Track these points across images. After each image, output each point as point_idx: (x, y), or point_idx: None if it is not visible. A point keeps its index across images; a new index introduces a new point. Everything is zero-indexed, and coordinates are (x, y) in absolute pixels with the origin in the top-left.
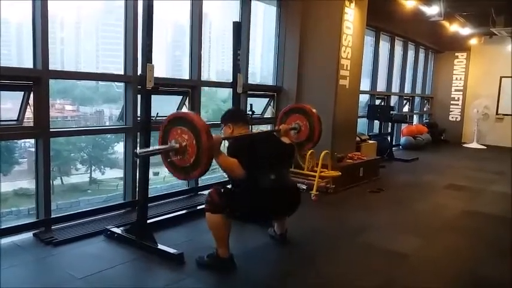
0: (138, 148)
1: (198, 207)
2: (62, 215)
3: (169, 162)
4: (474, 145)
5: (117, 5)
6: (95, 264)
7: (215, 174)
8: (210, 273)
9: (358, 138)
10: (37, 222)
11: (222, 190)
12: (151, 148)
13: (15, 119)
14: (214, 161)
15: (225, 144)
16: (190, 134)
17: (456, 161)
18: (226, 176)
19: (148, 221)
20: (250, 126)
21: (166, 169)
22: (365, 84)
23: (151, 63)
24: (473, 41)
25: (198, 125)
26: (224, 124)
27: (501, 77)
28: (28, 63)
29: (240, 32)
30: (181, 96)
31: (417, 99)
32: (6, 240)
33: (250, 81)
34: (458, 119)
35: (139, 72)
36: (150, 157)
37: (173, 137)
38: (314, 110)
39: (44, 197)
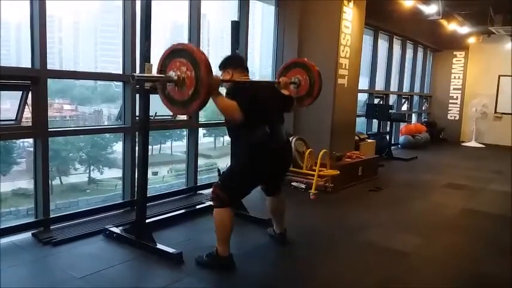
0: (137, 147)
1: (197, 207)
2: (61, 214)
3: (167, 94)
4: (473, 144)
5: (115, 5)
6: (94, 263)
7: (212, 174)
8: (210, 272)
9: (356, 137)
10: (36, 222)
11: (219, 181)
12: (149, 75)
13: (14, 118)
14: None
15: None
16: (189, 66)
17: (455, 159)
18: (223, 118)
19: (147, 221)
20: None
21: (165, 168)
22: (363, 83)
23: (149, 62)
24: (471, 40)
25: (198, 57)
26: (223, 70)
27: (499, 76)
28: (26, 63)
29: (239, 31)
30: None
31: (416, 98)
32: (5, 240)
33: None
34: (457, 117)
35: (137, 71)
36: (149, 157)
37: (171, 69)
38: (314, 65)
39: (43, 197)
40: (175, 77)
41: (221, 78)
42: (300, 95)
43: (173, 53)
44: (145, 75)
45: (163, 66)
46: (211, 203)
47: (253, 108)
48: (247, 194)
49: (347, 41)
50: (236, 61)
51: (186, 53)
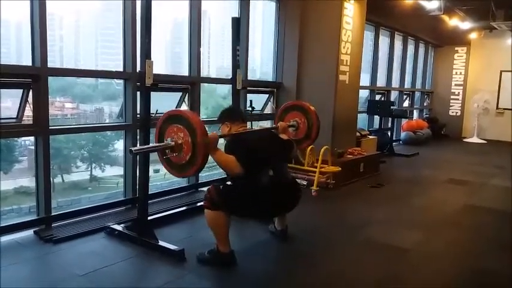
0: (138, 145)
1: (199, 204)
2: (63, 212)
3: (166, 159)
4: (474, 140)
5: (115, 2)
6: (96, 261)
7: (215, 171)
8: (211, 269)
9: (358, 134)
10: (37, 220)
11: (221, 187)
12: (145, 146)
13: (15, 116)
14: (211, 158)
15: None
16: (186, 132)
17: (457, 155)
18: (224, 173)
19: (149, 218)
20: (249, 122)
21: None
22: (365, 80)
23: (150, 59)
24: (473, 35)
25: (193, 123)
26: (221, 123)
27: (501, 71)
28: (27, 61)
29: (239, 28)
30: (181, 93)
31: (417, 94)
32: (7, 238)
33: (249, 78)
34: (459, 113)
35: (138, 69)
36: (150, 154)
37: (169, 135)
38: (312, 108)
39: (44, 195)
40: (173, 143)
41: (219, 133)
42: (298, 137)
43: (169, 119)
44: (143, 147)
45: (161, 131)
46: (202, 203)
47: (253, 159)
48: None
49: (348, 37)
50: (234, 114)
51: (181, 119)
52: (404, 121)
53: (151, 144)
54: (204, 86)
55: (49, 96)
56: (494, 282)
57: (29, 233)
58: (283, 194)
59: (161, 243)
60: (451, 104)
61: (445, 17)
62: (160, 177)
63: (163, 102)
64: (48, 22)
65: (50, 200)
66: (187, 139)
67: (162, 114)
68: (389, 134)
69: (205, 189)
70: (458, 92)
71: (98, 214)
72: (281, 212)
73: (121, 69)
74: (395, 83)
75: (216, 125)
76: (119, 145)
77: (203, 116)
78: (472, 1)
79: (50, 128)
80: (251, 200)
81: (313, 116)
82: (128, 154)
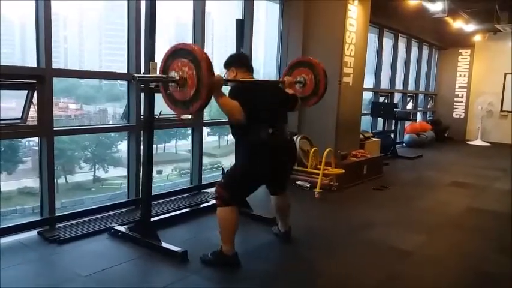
0: (141, 146)
1: (202, 205)
2: (66, 213)
3: (169, 94)
4: (478, 142)
5: (119, 4)
6: (99, 262)
7: (216, 173)
8: (215, 270)
9: (361, 136)
10: (41, 221)
11: (223, 180)
12: (149, 75)
13: (19, 117)
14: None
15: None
16: (191, 66)
17: (460, 158)
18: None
19: (152, 219)
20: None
21: (170, 166)
22: (368, 82)
23: (154, 61)
24: (477, 38)
25: (199, 57)
26: (227, 68)
27: (505, 74)
28: (31, 62)
29: (243, 29)
30: None
31: (421, 97)
32: (11, 239)
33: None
34: (462, 116)
35: (142, 70)
36: (154, 156)
37: (173, 69)
38: (320, 64)
39: (48, 195)
40: (177, 77)
41: (225, 77)
42: (305, 94)
43: (175, 53)
44: (147, 75)
45: (165, 66)
46: (215, 202)
47: (256, 108)
48: (250, 193)
49: (352, 39)
50: (241, 60)
51: (187, 53)
52: (407, 123)
53: (155, 75)
54: None
55: (53, 97)
56: (496, 285)
57: (33, 233)
58: (282, 153)
59: (164, 244)
60: (454, 107)
61: (449, 19)
62: (163, 178)
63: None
64: (52, 23)
65: (54, 201)
66: (192, 73)
67: (168, 116)
68: (392, 136)
69: (208, 190)
70: (462, 95)
71: (102, 215)
72: (280, 173)
73: (125, 71)
74: (398, 85)
75: (221, 127)
76: (122, 146)
77: (206, 117)
78: (476, 3)
79: (54, 129)
80: (251, 160)
81: (321, 72)
82: (132, 155)
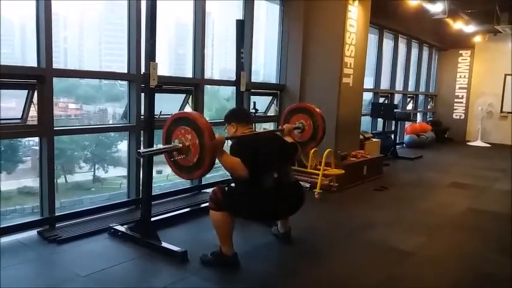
0: (141, 147)
1: (202, 205)
2: (66, 213)
3: (173, 161)
4: (478, 143)
5: (120, 4)
6: (99, 262)
7: (218, 173)
8: (214, 271)
9: (361, 136)
10: (41, 220)
11: (226, 189)
12: (154, 148)
13: (19, 117)
14: (217, 160)
15: (228, 144)
16: (194, 134)
17: (460, 159)
18: (229, 175)
19: (152, 219)
20: (253, 124)
21: (169, 168)
22: (369, 82)
23: (154, 61)
24: (477, 39)
25: (201, 125)
26: (228, 123)
27: (505, 75)
28: (32, 62)
29: (243, 30)
30: (185, 95)
31: (421, 97)
32: (11, 238)
33: (253, 80)
34: (462, 117)
35: (142, 70)
36: (154, 156)
37: (176, 137)
38: (318, 110)
39: (48, 195)
40: (181, 145)
41: (226, 132)
42: (303, 139)
43: (177, 121)
44: (151, 149)
45: (168, 132)
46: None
47: (258, 162)
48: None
49: (352, 39)
50: (240, 115)
51: (189, 122)
52: (407, 124)
53: (159, 146)
54: (207, 88)
55: (53, 97)
56: (497, 286)
57: (32, 233)
58: (287, 196)
59: (164, 244)
60: (454, 107)
61: (449, 20)
62: (163, 178)
63: (167, 104)
64: (53, 23)
65: (54, 201)
66: (195, 141)
67: (169, 116)
68: (392, 137)
69: (208, 190)
70: (462, 95)
71: (101, 215)
72: (285, 214)
73: (125, 71)
74: (399, 86)
75: (220, 127)
76: (122, 146)
77: (207, 118)
78: (476, 4)
79: (54, 128)
80: (255, 202)
81: (319, 118)
82: (132, 155)
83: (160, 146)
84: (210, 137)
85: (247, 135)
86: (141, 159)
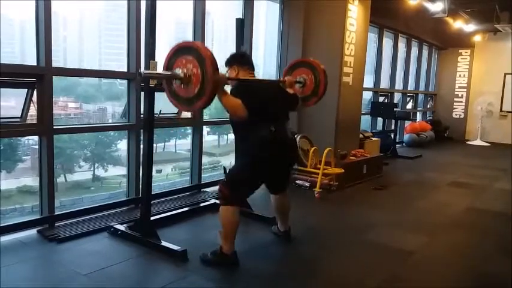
0: (141, 146)
1: (201, 204)
2: (66, 212)
3: (173, 92)
4: (478, 142)
5: (120, 3)
6: (99, 260)
7: (216, 172)
8: (214, 269)
9: (361, 135)
10: (41, 219)
11: (225, 179)
12: (155, 71)
13: (19, 116)
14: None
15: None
16: (196, 63)
17: (460, 158)
18: (227, 115)
19: (152, 218)
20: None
21: (169, 165)
22: (368, 81)
23: (154, 60)
24: (477, 38)
25: (204, 54)
26: (229, 66)
27: (505, 74)
28: (32, 61)
29: (243, 28)
30: None
31: (421, 96)
32: (11, 237)
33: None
34: (462, 116)
35: (142, 69)
36: (153, 155)
37: (177, 66)
38: (321, 65)
39: (48, 194)
40: (182, 74)
41: (227, 75)
42: (305, 94)
43: (179, 51)
44: (152, 71)
45: (169, 63)
46: (215, 200)
47: (257, 106)
48: (252, 192)
49: (352, 38)
50: (242, 58)
51: (192, 50)
52: (407, 123)
53: (160, 71)
54: None
55: (53, 96)
56: (497, 285)
57: (32, 232)
58: (283, 151)
59: (164, 243)
60: (454, 107)
61: (449, 19)
62: (163, 177)
63: (167, 103)
64: (52, 22)
65: (54, 200)
66: (196, 71)
67: (169, 115)
68: (392, 136)
69: (208, 189)
70: (462, 95)
71: (101, 214)
72: (281, 171)
73: (125, 70)
74: (398, 85)
75: (219, 126)
76: (122, 145)
77: (205, 117)
78: (476, 3)
79: (54, 127)
80: (253, 159)
81: (321, 73)
82: (132, 154)
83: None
84: (213, 67)
85: (249, 79)
86: (141, 156)
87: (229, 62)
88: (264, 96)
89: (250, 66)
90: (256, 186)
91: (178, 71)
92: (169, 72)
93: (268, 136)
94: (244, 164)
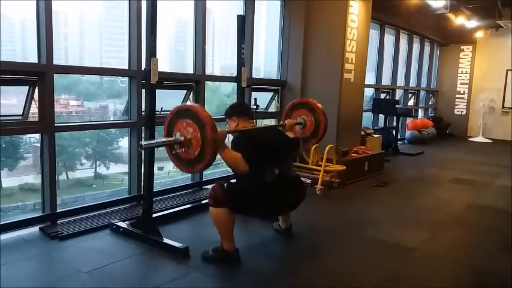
0: (143, 140)
1: (203, 202)
2: (68, 209)
3: (174, 154)
4: (480, 139)
5: (120, 1)
6: (101, 258)
7: (219, 169)
8: (216, 267)
9: (363, 132)
10: (43, 217)
11: (225, 185)
12: (156, 140)
13: (20, 114)
14: (218, 155)
15: (229, 138)
16: (195, 127)
17: (462, 155)
18: (230, 170)
19: (154, 215)
20: (255, 120)
21: (171, 163)
22: (370, 78)
23: (155, 57)
24: (479, 34)
25: (203, 118)
26: (229, 118)
27: (507, 70)
28: (33, 58)
29: (244, 25)
30: (186, 91)
31: (422, 93)
32: (13, 235)
33: (254, 76)
34: (464, 112)
35: (143, 66)
36: (155, 151)
37: (178, 130)
38: (320, 106)
39: (50, 192)
40: (182, 139)
41: (227, 128)
42: (305, 135)
43: (179, 114)
44: (153, 141)
45: (169, 125)
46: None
47: (259, 157)
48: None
49: (353, 35)
50: (242, 110)
51: (191, 114)
52: (409, 120)
53: (161, 139)
54: (208, 84)
55: (54, 94)
56: (498, 283)
57: (34, 229)
58: (288, 192)
59: (166, 240)
60: (456, 103)
61: (451, 16)
62: (164, 174)
63: (168, 100)
64: (53, 19)
65: (56, 197)
66: (196, 134)
67: (169, 111)
68: (394, 132)
69: (209, 186)
70: (464, 91)
71: (103, 211)
72: (285, 210)
73: (126, 67)
74: (400, 81)
75: (221, 123)
76: (123, 142)
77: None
78: None
79: (55, 125)
80: (255, 198)
81: (321, 115)
82: (134, 152)
83: (162, 139)
84: (212, 129)
85: (249, 129)
86: (142, 154)
87: (229, 113)
88: (265, 144)
89: (250, 117)
90: (253, 215)
91: (178, 136)
92: (171, 139)
93: (272, 180)
94: (249, 199)
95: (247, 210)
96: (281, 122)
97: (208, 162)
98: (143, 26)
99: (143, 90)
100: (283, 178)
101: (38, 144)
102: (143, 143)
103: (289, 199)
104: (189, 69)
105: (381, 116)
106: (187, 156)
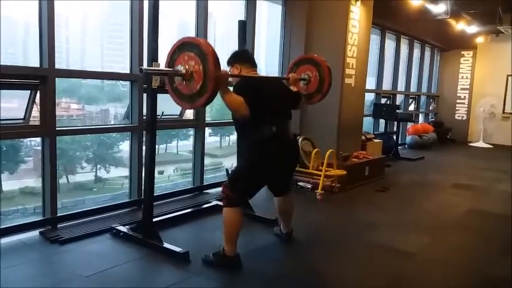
0: (143, 147)
1: (204, 206)
2: (68, 213)
3: (175, 88)
4: (480, 144)
5: (122, 3)
6: (101, 262)
7: (218, 174)
8: (216, 271)
9: (363, 137)
10: (43, 221)
11: (228, 180)
12: (157, 68)
13: (22, 117)
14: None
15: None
16: (197, 60)
17: (462, 160)
18: (230, 114)
19: (154, 220)
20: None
21: (171, 167)
22: (371, 83)
23: (157, 61)
24: (479, 39)
25: (206, 51)
26: (231, 65)
27: (508, 76)
28: (34, 62)
29: (245, 30)
30: None
31: (423, 98)
32: (13, 239)
33: None
34: (465, 117)
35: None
36: (155, 156)
37: (179, 63)
38: (325, 61)
39: (50, 195)
40: (183, 71)
41: (229, 73)
42: (309, 91)
43: (182, 47)
44: (154, 68)
45: (171, 60)
46: (217, 202)
47: (260, 104)
48: (255, 193)
49: (354, 40)
50: (244, 56)
51: (194, 47)
52: (409, 125)
53: (162, 68)
54: None
55: (55, 97)
56: (500, 287)
57: (34, 233)
58: (285, 152)
59: (166, 245)
60: (457, 108)
61: (452, 21)
62: (165, 178)
63: (169, 104)
64: (55, 23)
65: (56, 201)
66: (198, 67)
67: (171, 116)
68: (394, 137)
69: (210, 191)
70: (464, 96)
71: (103, 215)
72: (285, 171)
73: (127, 71)
74: (401, 86)
75: (222, 128)
76: (124, 146)
77: (207, 118)
78: (479, 5)
79: (56, 129)
80: (255, 159)
81: (325, 70)
82: (134, 156)
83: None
84: (215, 64)
85: (252, 76)
86: (143, 159)
87: (231, 60)
88: (266, 93)
89: (252, 64)
90: (258, 186)
91: (180, 68)
92: (171, 69)
93: (269, 136)
94: (246, 164)
95: (248, 178)
96: (285, 76)
97: (211, 95)
98: (145, 30)
99: (144, 95)
100: (280, 136)
101: (39, 148)
102: (144, 67)
103: (288, 159)
104: None
105: (382, 121)
106: (189, 90)
